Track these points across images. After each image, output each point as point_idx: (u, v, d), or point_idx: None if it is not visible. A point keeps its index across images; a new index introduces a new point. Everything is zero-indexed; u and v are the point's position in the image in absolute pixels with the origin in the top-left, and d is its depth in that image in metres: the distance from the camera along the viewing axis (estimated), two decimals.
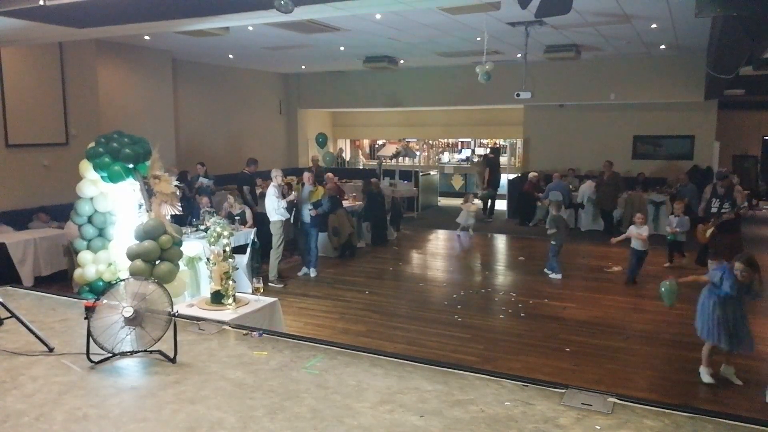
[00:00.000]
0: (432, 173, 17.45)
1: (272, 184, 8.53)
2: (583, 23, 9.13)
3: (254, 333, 3.68)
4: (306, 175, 9.19)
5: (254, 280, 5.27)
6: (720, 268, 5.07)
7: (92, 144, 6.26)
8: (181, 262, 6.33)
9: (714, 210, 7.66)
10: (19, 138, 9.44)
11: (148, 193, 6.14)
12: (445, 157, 19.84)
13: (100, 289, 4.88)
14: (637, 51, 12.01)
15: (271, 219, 8.52)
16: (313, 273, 9.14)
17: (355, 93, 16.18)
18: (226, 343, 3.54)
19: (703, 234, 7.83)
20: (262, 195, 9.74)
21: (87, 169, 6.25)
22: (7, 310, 3.55)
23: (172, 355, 3.20)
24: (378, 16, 8.49)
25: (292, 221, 8.80)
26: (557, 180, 13.05)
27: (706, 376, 5.17)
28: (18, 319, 3.49)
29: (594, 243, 11.53)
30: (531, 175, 13.73)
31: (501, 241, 12.32)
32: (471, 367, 3.29)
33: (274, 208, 8.43)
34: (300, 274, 9.13)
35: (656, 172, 13.81)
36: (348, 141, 20.26)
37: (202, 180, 11.20)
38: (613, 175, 12.37)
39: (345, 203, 10.96)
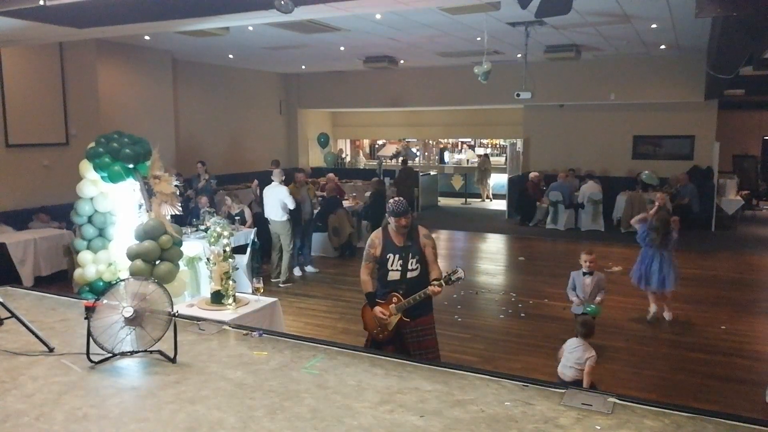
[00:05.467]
0: (432, 173, 17.44)
1: (277, 183, 8.56)
2: (583, 23, 9.13)
3: (254, 333, 3.67)
4: (300, 175, 9.24)
5: (254, 280, 5.27)
6: None
7: (92, 144, 6.26)
8: (181, 262, 6.34)
9: None
10: (19, 138, 9.44)
11: (148, 193, 6.14)
12: (446, 157, 19.85)
13: (100, 289, 4.88)
14: (637, 51, 12.00)
15: (280, 219, 8.52)
16: (313, 269, 9.35)
17: (355, 93, 16.15)
18: (226, 343, 3.54)
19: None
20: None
21: (87, 169, 6.24)
22: (7, 310, 3.54)
23: (172, 355, 3.20)
24: (378, 16, 8.48)
25: (292, 222, 8.79)
26: (561, 180, 13.06)
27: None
28: (18, 319, 3.49)
29: (594, 243, 11.51)
30: (532, 174, 13.72)
31: (501, 241, 12.31)
32: (471, 367, 3.29)
33: (290, 207, 8.46)
34: (298, 274, 9.14)
35: (656, 172, 13.80)
36: (348, 141, 20.26)
37: (211, 181, 11.20)
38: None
39: (345, 203, 10.96)
